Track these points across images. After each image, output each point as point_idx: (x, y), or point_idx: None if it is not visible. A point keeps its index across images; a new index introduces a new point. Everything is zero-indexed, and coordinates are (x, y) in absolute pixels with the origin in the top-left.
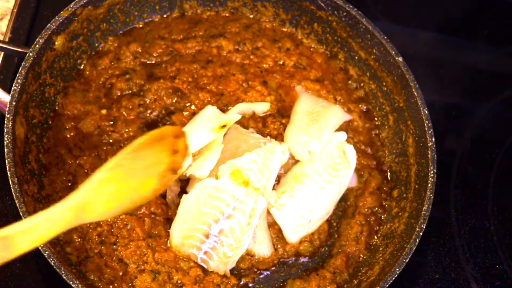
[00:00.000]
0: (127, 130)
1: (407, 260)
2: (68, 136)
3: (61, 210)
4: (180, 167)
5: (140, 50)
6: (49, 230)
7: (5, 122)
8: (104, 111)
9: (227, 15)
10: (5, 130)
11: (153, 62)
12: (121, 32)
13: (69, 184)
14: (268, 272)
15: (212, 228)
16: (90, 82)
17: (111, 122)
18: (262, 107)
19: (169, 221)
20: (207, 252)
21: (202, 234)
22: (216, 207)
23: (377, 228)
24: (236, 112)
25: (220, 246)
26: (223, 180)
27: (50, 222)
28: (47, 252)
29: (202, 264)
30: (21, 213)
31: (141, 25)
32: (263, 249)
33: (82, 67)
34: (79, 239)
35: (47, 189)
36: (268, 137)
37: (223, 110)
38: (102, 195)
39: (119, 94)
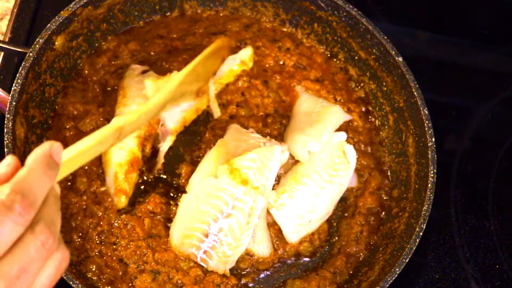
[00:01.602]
0: None
1: (407, 260)
2: (67, 135)
3: (154, 104)
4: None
5: (138, 49)
6: (146, 120)
7: (5, 122)
8: (101, 109)
9: (227, 14)
10: (5, 130)
11: (151, 60)
12: (121, 31)
13: (69, 183)
14: (268, 272)
15: (211, 227)
16: (88, 81)
17: (108, 119)
18: (244, 53)
19: (169, 221)
20: (207, 251)
21: (201, 233)
22: (215, 206)
23: (377, 228)
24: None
25: (220, 245)
26: (222, 179)
27: (146, 115)
28: None
29: (202, 263)
30: None
31: (141, 24)
32: (263, 249)
33: (80, 66)
34: (79, 239)
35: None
36: (268, 137)
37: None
38: (175, 93)
39: (113, 90)
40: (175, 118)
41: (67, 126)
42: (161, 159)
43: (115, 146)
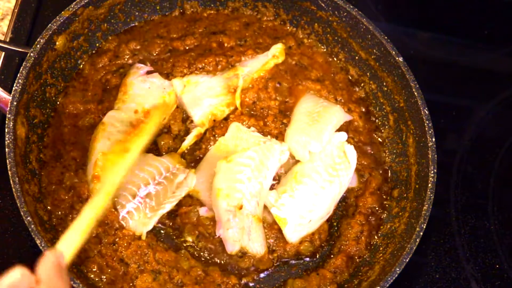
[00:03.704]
0: None
1: (407, 260)
2: (65, 131)
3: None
4: None
5: (139, 48)
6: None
7: (6, 122)
8: (100, 106)
9: (227, 13)
10: (6, 130)
11: (151, 60)
12: (121, 31)
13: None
14: (269, 272)
15: (140, 191)
16: (89, 81)
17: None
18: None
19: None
20: (130, 211)
21: (129, 194)
22: (150, 173)
23: (378, 228)
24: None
25: (144, 208)
26: (163, 157)
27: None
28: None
29: (122, 222)
30: (22, 213)
31: (141, 24)
32: (257, 247)
33: (81, 67)
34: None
35: (43, 181)
36: (269, 136)
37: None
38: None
39: (114, 88)
40: (201, 113)
41: (66, 124)
42: (182, 148)
43: (103, 136)
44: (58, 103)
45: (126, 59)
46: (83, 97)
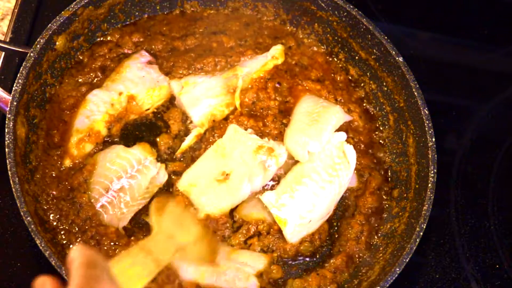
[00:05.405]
0: None
1: (407, 260)
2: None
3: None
4: None
5: (142, 40)
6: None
7: (6, 122)
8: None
9: (227, 13)
10: (6, 130)
11: (153, 54)
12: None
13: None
14: None
15: (113, 184)
16: (85, 68)
17: None
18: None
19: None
20: (104, 205)
21: (102, 187)
22: (121, 166)
23: (378, 228)
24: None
25: (118, 202)
26: (133, 148)
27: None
28: (48, 252)
29: (98, 216)
30: (22, 213)
31: (145, 18)
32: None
33: (81, 57)
34: (78, 240)
35: (35, 174)
36: (266, 139)
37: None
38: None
39: (111, 71)
40: (200, 113)
41: (64, 117)
42: (182, 148)
43: (83, 114)
44: (53, 92)
45: (127, 50)
46: (76, 83)
